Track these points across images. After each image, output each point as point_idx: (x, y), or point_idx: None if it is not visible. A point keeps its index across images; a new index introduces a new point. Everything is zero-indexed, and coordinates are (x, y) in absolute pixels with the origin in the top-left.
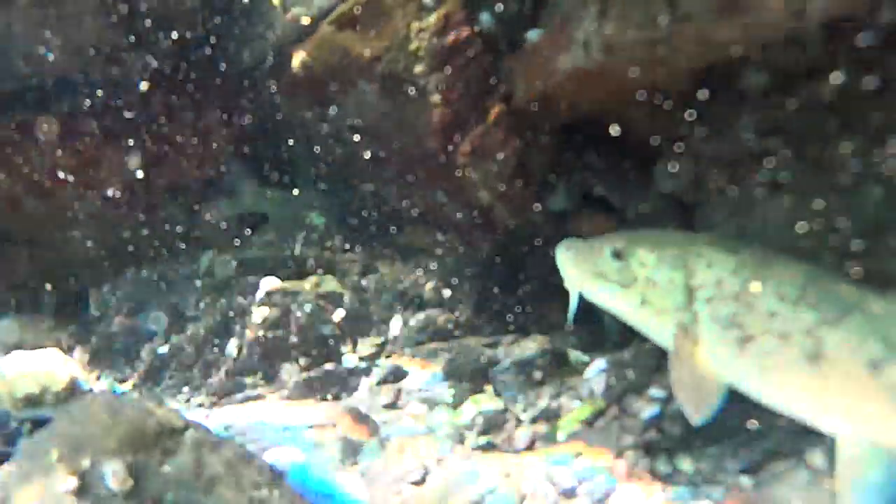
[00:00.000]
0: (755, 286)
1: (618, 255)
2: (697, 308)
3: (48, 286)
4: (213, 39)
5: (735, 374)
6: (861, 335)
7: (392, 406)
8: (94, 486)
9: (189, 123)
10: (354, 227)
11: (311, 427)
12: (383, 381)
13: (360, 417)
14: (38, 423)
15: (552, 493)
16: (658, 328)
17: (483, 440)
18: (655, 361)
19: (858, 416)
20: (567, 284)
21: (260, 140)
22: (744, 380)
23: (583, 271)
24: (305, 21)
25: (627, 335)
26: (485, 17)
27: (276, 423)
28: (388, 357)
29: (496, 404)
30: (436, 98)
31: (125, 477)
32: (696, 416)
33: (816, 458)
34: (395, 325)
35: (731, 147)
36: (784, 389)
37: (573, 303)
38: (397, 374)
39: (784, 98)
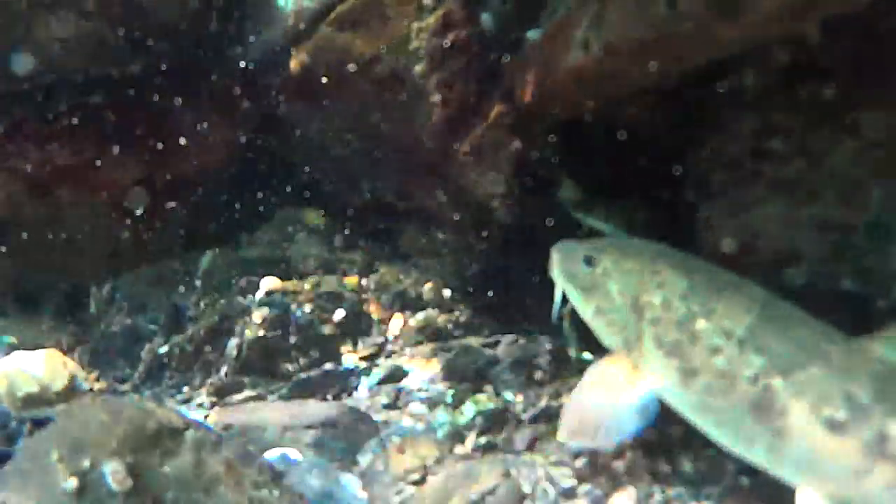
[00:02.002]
0: (700, 320)
1: (589, 261)
2: (643, 328)
3: (48, 286)
4: (213, 39)
5: (677, 404)
6: (818, 390)
7: (392, 406)
8: (94, 486)
9: (189, 123)
10: (354, 227)
11: (311, 427)
12: (383, 381)
13: (360, 417)
14: (38, 423)
15: (552, 493)
16: (608, 340)
17: (483, 440)
18: None
19: (815, 476)
20: (555, 281)
21: (260, 140)
22: (686, 412)
23: (562, 272)
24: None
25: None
26: (485, 17)
27: (276, 423)
28: (388, 357)
29: (496, 404)
30: (436, 98)
31: (125, 477)
32: (599, 441)
33: None
34: (395, 325)
35: (731, 147)
36: (729, 435)
37: (556, 300)
38: (397, 374)
39: (784, 98)
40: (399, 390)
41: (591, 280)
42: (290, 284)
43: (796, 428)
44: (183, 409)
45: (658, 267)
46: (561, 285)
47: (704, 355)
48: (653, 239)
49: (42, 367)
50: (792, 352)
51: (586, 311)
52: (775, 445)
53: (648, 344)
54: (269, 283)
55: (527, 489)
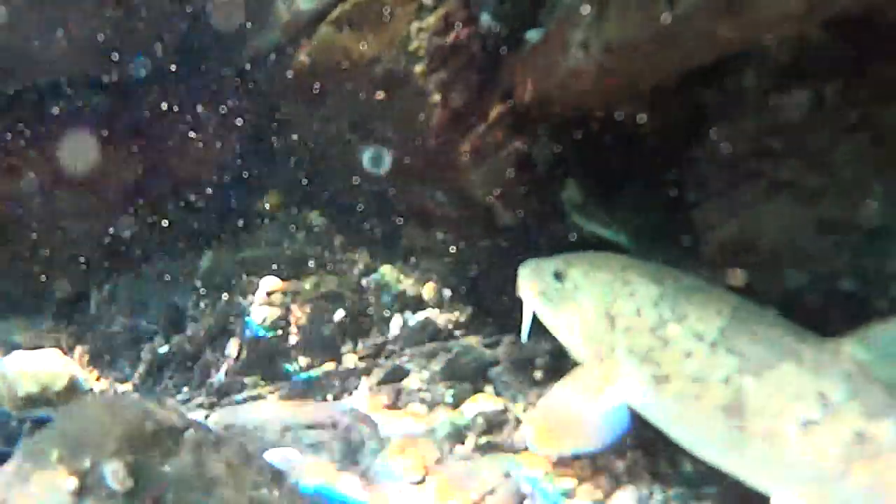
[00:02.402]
0: (672, 325)
1: (558, 275)
2: (616, 338)
3: (48, 286)
4: (213, 39)
5: (652, 415)
6: (791, 389)
7: (392, 406)
8: (94, 486)
9: (189, 123)
10: (355, 228)
11: (311, 427)
12: (383, 382)
13: (361, 418)
14: (38, 423)
15: (552, 493)
16: (580, 353)
17: (483, 440)
18: None
19: (789, 478)
20: (523, 300)
21: (260, 140)
22: (658, 422)
23: (531, 289)
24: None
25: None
26: (485, 17)
27: (276, 423)
28: (388, 357)
29: (496, 404)
30: (436, 98)
31: (125, 477)
32: (573, 449)
33: None
34: (395, 325)
35: (731, 147)
36: (701, 441)
37: (526, 319)
38: (397, 374)
39: (785, 98)
40: (399, 390)
41: (562, 294)
42: (290, 284)
43: (770, 428)
44: (183, 409)
45: (628, 276)
46: (530, 304)
47: (677, 360)
48: (652, 239)
49: (42, 367)
50: (763, 352)
51: (557, 327)
52: (748, 448)
53: (621, 353)
54: (269, 283)
55: (527, 489)
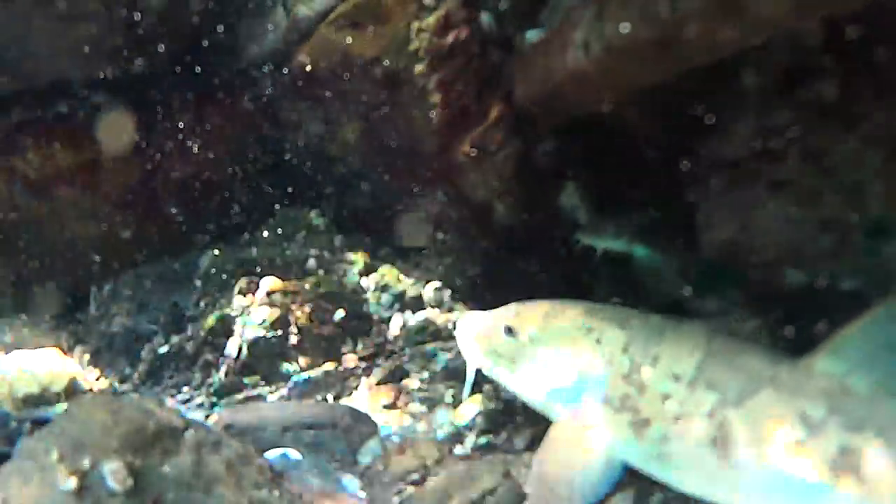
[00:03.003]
0: (646, 368)
1: (510, 330)
2: (587, 389)
3: (48, 286)
4: (214, 39)
5: (635, 459)
6: (773, 414)
7: (392, 406)
8: (94, 486)
9: (189, 123)
10: (355, 228)
11: (311, 427)
12: (383, 382)
13: (360, 418)
14: (38, 423)
15: None
16: (549, 410)
17: (483, 440)
18: None
19: (780, 501)
20: (466, 358)
21: (261, 140)
22: (645, 467)
23: (479, 347)
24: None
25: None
26: (485, 17)
27: (276, 423)
28: (387, 357)
29: (496, 404)
30: (436, 98)
31: (125, 477)
32: None
33: None
34: (395, 325)
35: (731, 147)
36: (690, 478)
37: (469, 378)
38: (397, 374)
39: (785, 98)
40: (399, 390)
41: (518, 350)
42: (290, 284)
43: (758, 454)
44: (183, 409)
45: (591, 322)
46: (475, 363)
47: (656, 403)
48: (652, 239)
49: (42, 367)
50: (742, 382)
51: (516, 385)
52: (739, 477)
53: (594, 405)
54: (269, 283)
55: (527, 489)
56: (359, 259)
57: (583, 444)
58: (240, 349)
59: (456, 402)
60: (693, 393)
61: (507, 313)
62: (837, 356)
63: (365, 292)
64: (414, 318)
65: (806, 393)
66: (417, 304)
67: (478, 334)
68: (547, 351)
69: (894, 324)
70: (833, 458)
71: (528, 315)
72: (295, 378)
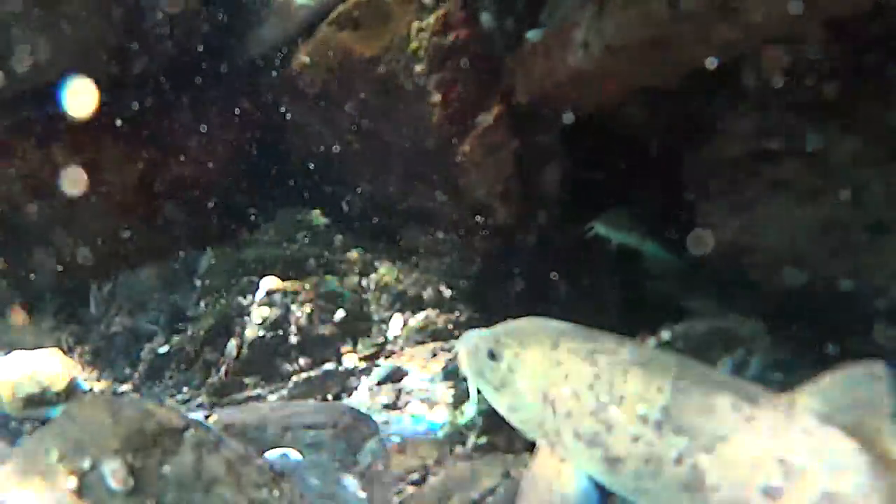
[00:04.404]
0: (612, 408)
1: (493, 355)
2: (559, 423)
3: (48, 286)
4: (214, 39)
5: (615, 490)
6: (747, 460)
7: (392, 406)
8: (94, 486)
9: (189, 123)
10: (355, 228)
11: (311, 427)
12: (383, 382)
13: (360, 418)
14: (39, 424)
15: None
16: (530, 435)
17: (483, 440)
18: None
19: None
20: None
21: (261, 140)
22: (626, 496)
23: (471, 368)
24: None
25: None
26: (485, 17)
27: (276, 423)
28: (388, 357)
29: None
30: (436, 98)
31: (125, 476)
32: None
33: None
34: (395, 325)
35: (731, 147)
36: None
37: (472, 392)
38: (397, 375)
39: (784, 98)
40: (399, 390)
41: (500, 377)
42: (291, 284)
43: (734, 500)
44: (183, 409)
45: (560, 356)
46: (472, 379)
47: (625, 443)
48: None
49: (43, 367)
50: (713, 425)
51: (501, 408)
52: None
53: (568, 437)
54: (269, 283)
55: None
56: (359, 259)
57: (560, 477)
58: (240, 349)
59: (456, 403)
60: (661, 437)
61: (493, 337)
62: (822, 394)
63: (365, 292)
64: (414, 318)
65: (785, 435)
66: (417, 304)
67: (469, 354)
68: (522, 382)
69: (870, 383)
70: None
71: (508, 341)
72: (295, 378)
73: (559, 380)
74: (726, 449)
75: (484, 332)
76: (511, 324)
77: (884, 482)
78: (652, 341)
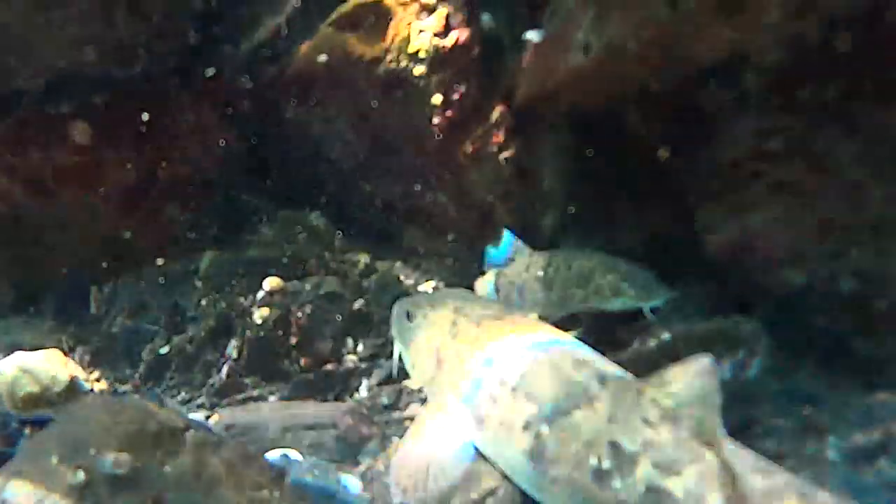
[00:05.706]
0: (482, 369)
1: (409, 315)
2: (444, 378)
3: (48, 286)
4: (214, 39)
5: (481, 450)
6: (583, 438)
7: (393, 406)
8: (94, 486)
9: (189, 123)
10: (355, 228)
11: (311, 427)
12: (384, 382)
13: (361, 418)
14: (39, 423)
15: None
16: (425, 389)
17: None
18: (657, 362)
19: None
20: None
21: (261, 140)
22: (488, 458)
23: (393, 328)
24: None
25: None
26: (485, 18)
27: (277, 423)
28: (388, 357)
29: None
30: (436, 98)
31: (127, 462)
32: (430, 491)
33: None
34: None
35: (731, 148)
36: (519, 481)
37: (395, 356)
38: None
39: (784, 98)
40: (400, 391)
41: (409, 334)
42: (290, 284)
43: (568, 477)
44: (183, 409)
45: (458, 318)
46: (397, 342)
47: (487, 404)
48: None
49: (43, 367)
50: (560, 398)
51: (409, 366)
52: (554, 495)
53: (449, 395)
54: (270, 283)
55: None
56: (359, 259)
57: (443, 426)
58: (240, 349)
59: None
60: (514, 400)
61: (414, 300)
62: (670, 386)
63: (365, 293)
64: None
65: (623, 421)
66: None
67: (395, 317)
68: (421, 339)
69: (701, 378)
70: (640, 497)
71: (423, 303)
72: (295, 378)
73: (448, 340)
74: (566, 423)
75: (415, 297)
76: (437, 292)
77: (714, 483)
78: (652, 342)
